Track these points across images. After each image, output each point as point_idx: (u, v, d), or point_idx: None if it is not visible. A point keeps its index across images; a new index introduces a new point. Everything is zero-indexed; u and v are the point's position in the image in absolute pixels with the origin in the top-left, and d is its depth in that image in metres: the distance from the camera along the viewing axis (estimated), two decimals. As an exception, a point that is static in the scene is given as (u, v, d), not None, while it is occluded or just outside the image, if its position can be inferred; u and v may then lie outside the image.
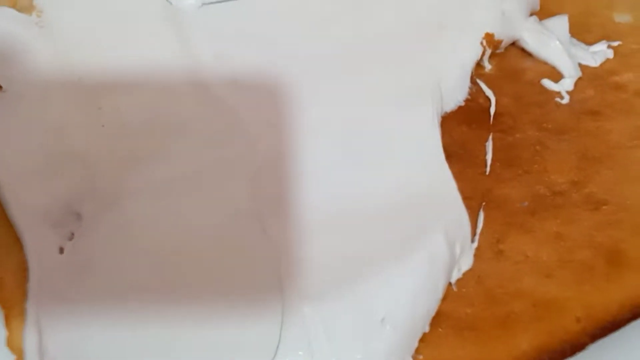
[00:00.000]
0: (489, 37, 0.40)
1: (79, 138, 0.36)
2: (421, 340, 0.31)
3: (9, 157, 0.35)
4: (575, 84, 0.41)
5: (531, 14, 0.44)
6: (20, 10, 0.41)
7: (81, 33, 0.40)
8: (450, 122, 0.38)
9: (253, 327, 0.29)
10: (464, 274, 0.33)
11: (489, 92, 0.40)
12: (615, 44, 0.43)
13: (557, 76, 0.41)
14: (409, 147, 0.36)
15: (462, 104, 0.39)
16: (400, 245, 0.32)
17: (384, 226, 0.33)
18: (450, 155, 0.36)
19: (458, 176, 0.35)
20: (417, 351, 0.30)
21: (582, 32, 0.44)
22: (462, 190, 0.35)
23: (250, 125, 0.36)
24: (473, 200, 0.35)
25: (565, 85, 0.40)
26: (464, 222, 0.33)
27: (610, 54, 0.42)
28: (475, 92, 0.40)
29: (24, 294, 0.31)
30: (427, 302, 0.30)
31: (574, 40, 0.43)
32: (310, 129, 0.37)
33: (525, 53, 0.43)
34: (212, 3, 0.42)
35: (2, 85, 0.38)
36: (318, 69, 0.39)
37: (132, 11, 0.41)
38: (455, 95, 0.39)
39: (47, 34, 0.40)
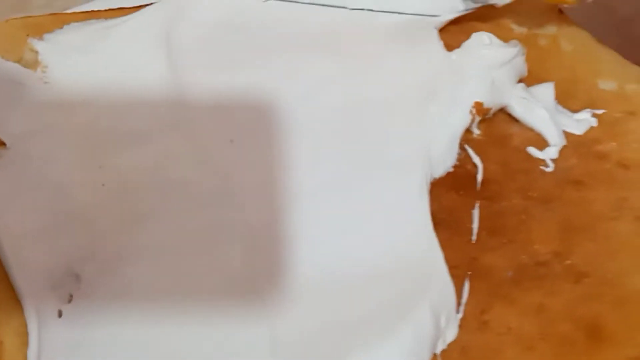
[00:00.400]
0: (478, 106, 0.42)
1: (80, 197, 0.37)
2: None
3: (11, 217, 0.36)
4: (560, 152, 0.42)
5: (519, 81, 0.45)
6: (25, 65, 0.42)
7: (84, 91, 0.41)
8: (439, 189, 0.40)
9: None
10: (449, 345, 0.34)
11: (476, 159, 0.41)
12: (600, 112, 0.44)
13: (542, 142, 0.43)
14: (397, 215, 0.37)
15: (451, 169, 0.41)
16: (387, 317, 0.33)
17: (371, 296, 0.34)
18: (438, 222, 0.38)
19: (445, 244, 0.37)
20: None
21: (567, 99, 0.45)
22: (448, 259, 0.36)
23: (244, 187, 0.38)
24: (459, 269, 0.36)
25: (550, 154, 0.42)
26: (449, 294, 0.34)
27: (594, 122, 0.44)
28: (463, 158, 0.41)
29: (24, 359, 0.31)
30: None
31: (560, 108, 0.44)
32: (300, 193, 0.38)
33: (513, 118, 0.44)
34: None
35: (5, 142, 0.39)
36: (307, 133, 0.40)
37: (134, 71, 0.42)
38: (445, 161, 0.41)
39: (51, 91, 0.41)
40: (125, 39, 0.44)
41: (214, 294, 0.34)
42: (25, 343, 0.32)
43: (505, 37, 0.48)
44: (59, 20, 0.45)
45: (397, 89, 0.42)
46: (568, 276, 0.36)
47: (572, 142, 0.43)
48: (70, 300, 0.33)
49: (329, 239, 0.36)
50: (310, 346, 0.32)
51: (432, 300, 0.34)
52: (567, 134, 0.43)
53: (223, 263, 0.35)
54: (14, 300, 0.34)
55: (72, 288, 0.34)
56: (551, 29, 0.49)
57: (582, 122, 0.44)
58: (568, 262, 0.37)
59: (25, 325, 0.33)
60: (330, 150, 0.40)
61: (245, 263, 0.35)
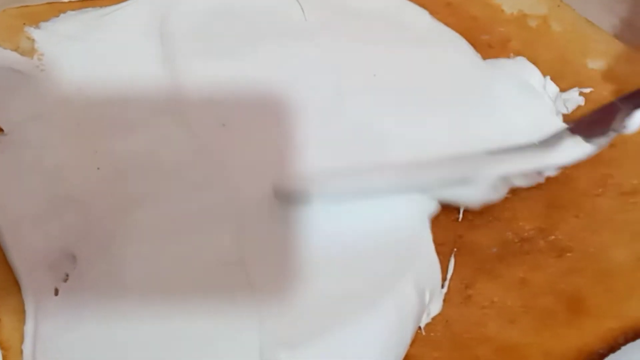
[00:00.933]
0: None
1: (75, 181, 0.38)
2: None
3: (8, 200, 0.37)
4: (547, 132, 0.43)
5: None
6: (22, 53, 0.43)
7: (80, 78, 0.42)
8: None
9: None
10: (433, 318, 0.35)
11: (466, 140, 0.42)
12: (587, 90, 0.45)
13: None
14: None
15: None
16: (372, 292, 0.34)
17: (358, 273, 0.35)
18: (426, 201, 0.38)
19: (432, 222, 0.37)
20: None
21: (556, 79, 0.45)
22: (435, 236, 0.37)
23: (236, 171, 0.39)
24: (445, 246, 0.37)
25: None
26: (435, 271, 0.35)
27: (581, 100, 0.44)
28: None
29: (21, 335, 0.33)
30: (396, 349, 0.32)
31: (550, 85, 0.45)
32: (292, 173, 0.39)
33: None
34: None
35: (3, 128, 0.40)
36: (297, 116, 0.41)
37: (128, 58, 0.43)
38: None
39: (47, 78, 0.42)
40: (119, 27, 0.45)
41: (203, 274, 0.35)
42: (22, 320, 0.33)
43: (496, 18, 0.49)
44: (55, 9, 0.46)
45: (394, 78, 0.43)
46: (551, 251, 0.37)
47: (560, 122, 0.43)
48: (66, 280, 0.35)
49: (319, 217, 0.37)
50: (296, 323, 0.33)
51: (417, 276, 0.34)
52: (555, 114, 0.44)
53: (213, 243, 0.36)
54: (12, 280, 0.35)
55: (68, 268, 0.35)
56: (541, 10, 0.49)
57: (569, 101, 0.44)
58: (552, 237, 0.38)
59: (22, 304, 0.34)
60: (321, 130, 0.41)
61: (235, 243, 0.36)
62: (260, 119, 0.41)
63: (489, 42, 0.47)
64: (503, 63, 0.44)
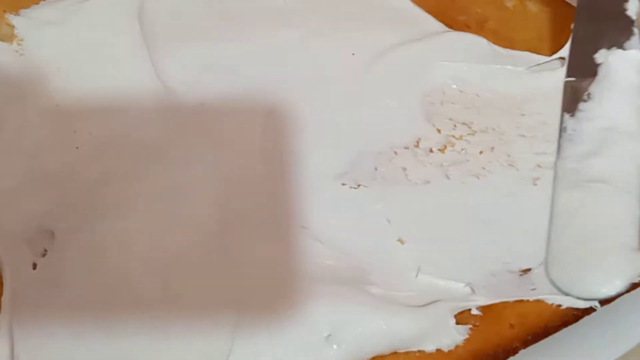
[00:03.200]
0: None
1: (54, 160, 0.38)
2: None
3: (-14, 178, 0.37)
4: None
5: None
6: (1, 38, 0.44)
7: (59, 61, 0.43)
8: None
9: (206, 339, 0.32)
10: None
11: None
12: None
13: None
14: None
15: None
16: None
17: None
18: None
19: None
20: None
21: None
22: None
23: (216, 148, 0.39)
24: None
25: None
26: None
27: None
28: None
29: (-1, 305, 0.33)
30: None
31: None
32: (269, 152, 0.39)
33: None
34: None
35: (-18, 110, 0.40)
36: (273, 94, 0.42)
37: (107, 41, 0.43)
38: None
39: (27, 62, 0.43)
40: (99, 12, 0.45)
41: (183, 249, 0.35)
42: (0, 292, 0.33)
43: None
44: (36, -4, 0.47)
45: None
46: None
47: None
48: (44, 255, 0.35)
49: (297, 198, 0.37)
50: (272, 294, 0.33)
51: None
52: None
53: (193, 220, 0.36)
54: (-10, 255, 0.35)
55: (46, 243, 0.35)
56: (517, -10, 0.50)
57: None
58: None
59: (0, 278, 0.34)
60: (302, 108, 0.41)
61: (217, 221, 0.36)
62: (240, 98, 0.42)
63: (466, 22, 0.48)
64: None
